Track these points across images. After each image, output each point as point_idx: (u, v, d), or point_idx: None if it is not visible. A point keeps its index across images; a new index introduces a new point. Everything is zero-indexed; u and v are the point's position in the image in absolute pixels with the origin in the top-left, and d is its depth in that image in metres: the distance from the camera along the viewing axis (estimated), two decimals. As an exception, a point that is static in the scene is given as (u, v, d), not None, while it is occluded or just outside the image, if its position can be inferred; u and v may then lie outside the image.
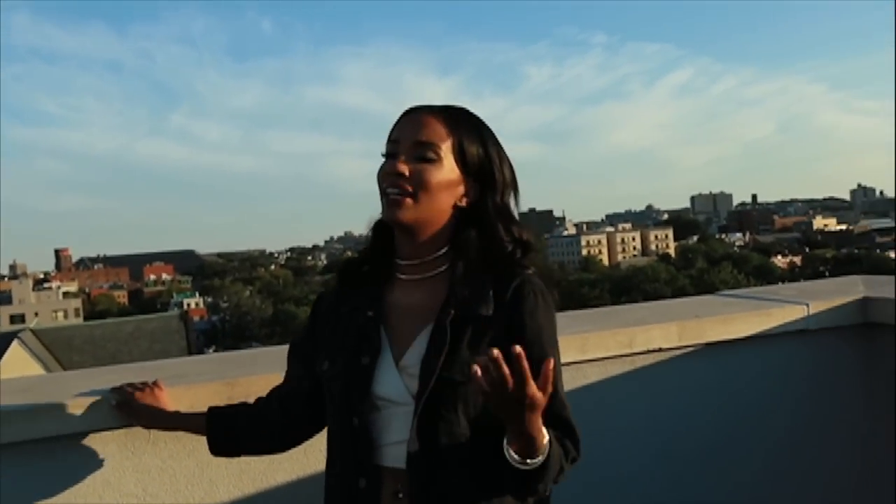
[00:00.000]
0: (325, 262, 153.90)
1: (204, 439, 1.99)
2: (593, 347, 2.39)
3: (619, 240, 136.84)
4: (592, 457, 2.42)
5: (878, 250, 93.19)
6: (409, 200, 1.53)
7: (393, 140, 1.57)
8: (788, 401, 2.67)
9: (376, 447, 1.52)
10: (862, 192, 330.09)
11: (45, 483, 1.93)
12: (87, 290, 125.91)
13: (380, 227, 1.65)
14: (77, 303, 76.38)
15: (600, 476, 2.41)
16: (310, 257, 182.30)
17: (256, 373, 2.11)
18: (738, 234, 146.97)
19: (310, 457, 2.12)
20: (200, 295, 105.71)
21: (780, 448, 2.64)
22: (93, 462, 1.96)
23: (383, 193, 1.56)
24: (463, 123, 1.59)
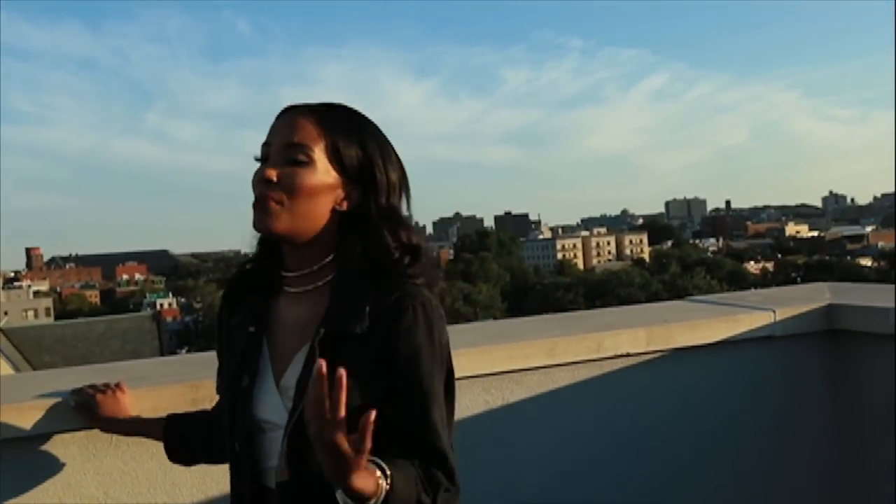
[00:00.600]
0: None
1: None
2: (562, 352, 2.39)
3: (594, 244, 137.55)
4: (561, 460, 2.44)
5: (848, 257, 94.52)
6: (277, 208, 1.42)
7: (265, 143, 1.49)
8: (756, 406, 2.70)
9: (261, 471, 1.46)
10: (833, 199, 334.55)
11: (5, 484, 1.90)
12: (58, 289, 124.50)
13: (266, 238, 1.54)
14: (48, 302, 75.53)
15: (569, 479, 2.42)
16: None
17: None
18: (712, 240, 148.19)
19: (275, 460, 2.11)
20: (174, 295, 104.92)
21: (747, 452, 2.66)
22: (54, 464, 1.94)
23: (254, 201, 1.46)
24: (339, 123, 1.48)
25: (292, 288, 1.51)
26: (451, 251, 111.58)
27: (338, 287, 1.45)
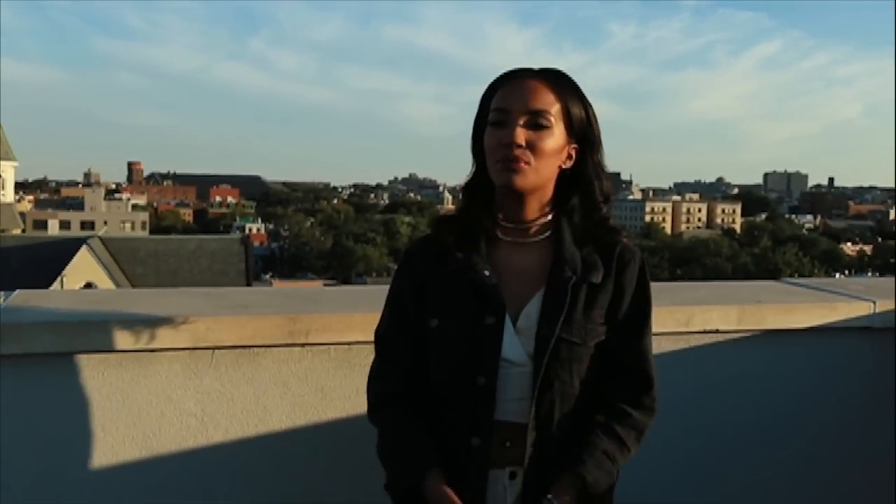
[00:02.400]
0: (387, 201, 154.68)
1: (263, 368, 2.09)
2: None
3: (684, 209, 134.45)
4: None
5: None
6: (526, 167, 1.55)
7: (502, 108, 1.57)
8: (841, 396, 2.65)
9: (496, 405, 1.55)
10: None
11: (113, 391, 2.03)
12: (154, 204, 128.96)
13: (472, 188, 1.66)
14: (144, 216, 78.39)
15: (647, 447, 2.43)
16: (372, 195, 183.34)
17: (319, 311, 2.17)
18: (809, 217, 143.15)
19: (361, 397, 2.18)
20: (262, 221, 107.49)
21: (826, 439, 2.63)
22: (158, 378, 2.06)
23: (498, 160, 1.56)
24: (566, 88, 1.61)
25: (512, 238, 1.63)
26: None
27: (563, 239, 1.60)
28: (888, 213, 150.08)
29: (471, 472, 1.55)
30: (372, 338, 2.20)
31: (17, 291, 2.23)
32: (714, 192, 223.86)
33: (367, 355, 2.19)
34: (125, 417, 2.04)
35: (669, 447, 2.48)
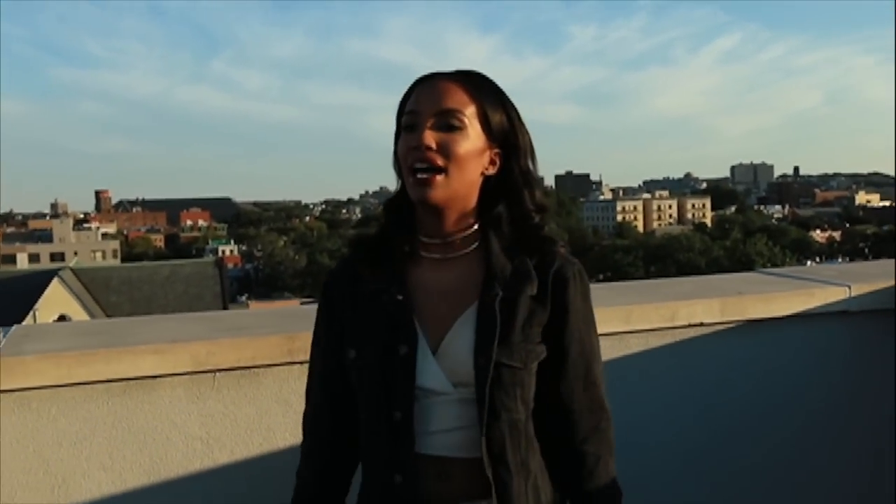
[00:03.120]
0: (359, 215, 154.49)
1: (264, 388, 2.13)
2: (637, 319, 2.46)
3: (655, 207, 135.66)
4: (632, 422, 2.52)
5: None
6: (439, 178, 1.43)
7: (411, 111, 1.46)
8: (825, 379, 2.73)
9: (417, 437, 1.44)
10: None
11: (118, 420, 2.06)
12: (125, 232, 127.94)
13: (394, 203, 1.55)
14: (115, 244, 77.71)
15: (639, 441, 2.50)
16: (344, 210, 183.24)
17: (315, 328, 2.22)
18: (778, 207, 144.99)
19: (361, 410, 2.24)
20: (235, 243, 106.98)
21: (813, 424, 2.70)
22: (161, 404, 2.09)
23: (409, 171, 1.45)
24: (483, 88, 1.49)
25: (434, 254, 1.50)
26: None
27: (492, 252, 1.47)
28: (853, 199, 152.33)
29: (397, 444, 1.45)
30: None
31: (15, 327, 2.26)
32: (683, 187, 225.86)
33: (365, 368, 2.25)
34: (131, 444, 2.07)
35: (661, 440, 2.55)
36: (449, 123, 1.44)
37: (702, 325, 2.55)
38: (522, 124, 1.53)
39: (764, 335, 2.63)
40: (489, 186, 1.51)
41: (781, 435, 2.67)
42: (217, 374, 2.12)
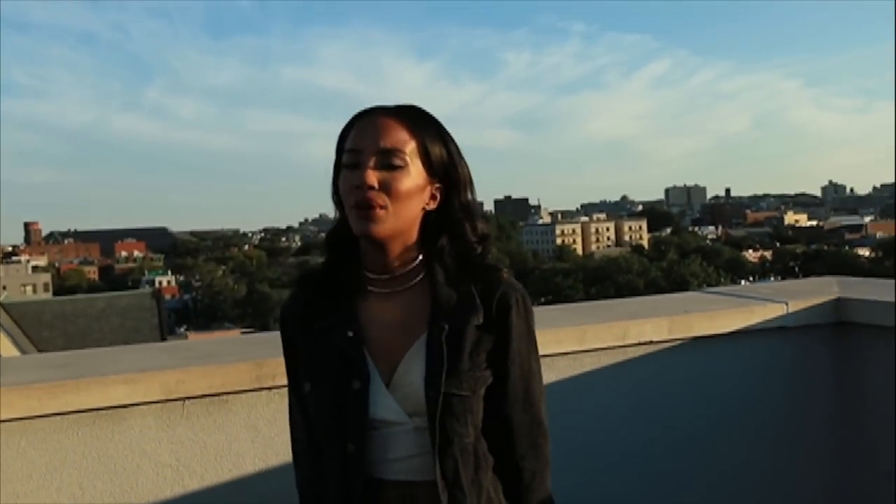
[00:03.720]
0: (298, 243, 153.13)
1: (233, 414, 2.17)
2: (591, 339, 2.57)
3: (593, 230, 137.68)
4: (588, 437, 2.62)
5: (846, 247, 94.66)
6: (382, 213, 1.46)
7: (353, 149, 1.49)
8: (767, 392, 2.88)
9: (373, 465, 1.49)
10: (833, 189, 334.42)
11: (88, 451, 2.08)
12: (56, 264, 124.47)
13: (336, 238, 1.59)
14: (46, 277, 75.47)
15: (595, 455, 2.60)
16: (284, 238, 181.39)
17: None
18: (711, 228, 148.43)
19: (328, 433, 2.29)
20: (172, 273, 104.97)
21: (758, 436, 2.84)
22: (132, 433, 2.12)
23: (351, 207, 1.48)
24: (423, 123, 1.53)
25: (381, 289, 1.54)
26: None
27: (437, 284, 1.51)
28: (783, 219, 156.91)
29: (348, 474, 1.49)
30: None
31: (-21, 361, 2.26)
32: (620, 210, 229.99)
33: (332, 393, 2.30)
34: (102, 474, 2.09)
35: (614, 454, 2.66)
36: (391, 163, 1.47)
37: (651, 342, 2.67)
38: (461, 157, 1.57)
39: (709, 351, 2.77)
40: (430, 220, 1.55)
41: (728, 445, 2.80)
42: (186, 401, 2.16)
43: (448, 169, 1.54)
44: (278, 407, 2.25)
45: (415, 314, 1.51)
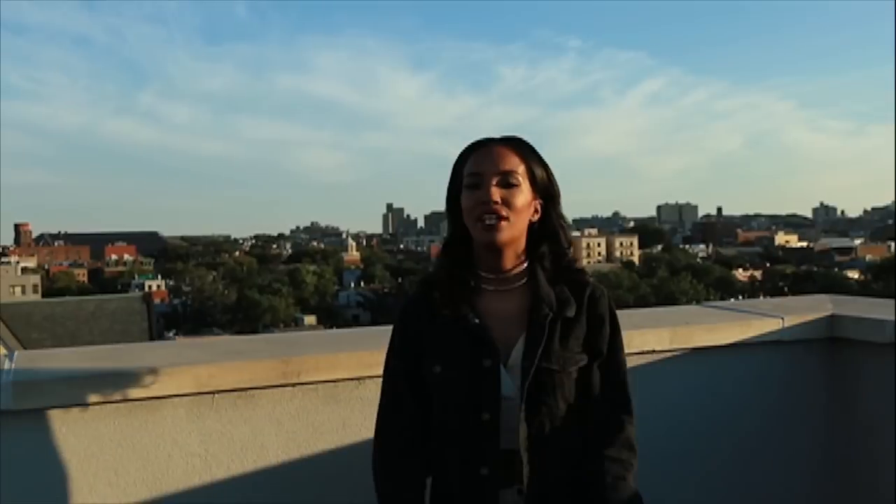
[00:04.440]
0: (289, 251, 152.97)
1: (259, 408, 2.29)
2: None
3: (584, 245, 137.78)
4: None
5: (836, 269, 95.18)
6: (504, 224, 1.78)
7: (476, 173, 1.81)
8: (762, 403, 3.01)
9: (500, 436, 1.74)
10: (824, 210, 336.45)
11: (124, 439, 2.19)
12: (46, 266, 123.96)
13: (452, 246, 1.88)
14: (36, 279, 75.20)
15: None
16: (275, 245, 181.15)
17: (307, 353, 2.39)
18: (702, 246, 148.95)
19: (348, 430, 2.42)
20: (162, 277, 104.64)
21: (751, 443, 2.97)
22: (164, 423, 2.24)
23: (478, 219, 1.78)
24: (527, 151, 1.86)
25: (494, 287, 1.83)
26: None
27: (539, 283, 1.82)
28: (773, 239, 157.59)
29: (484, 498, 1.75)
30: (355, 375, 2.44)
31: (17, 352, 2.37)
32: (611, 226, 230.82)
33: (352, 390, 2.43)
34: (135, 461, 2.21)
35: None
36: (508, 182, 1.79)
37: (653, 351, 2.80)
38: (554, 178, 1.89)
39: (708, 362, 2.90)
40: (533, 230, 1.87)
41: (725, 454, 2.93)
42: (216, 395, 2.28)
43: (547, 188, 1.87)
44: (301, 403, 2.37)
45: (521, 308, 1.81)
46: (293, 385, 2.35)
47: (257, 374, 2.30)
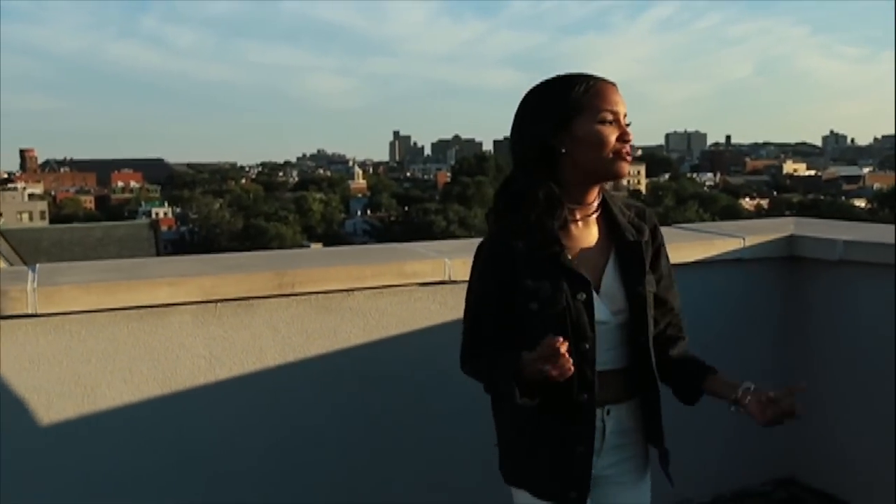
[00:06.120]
0: (296, 178, 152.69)
1: (258, 316, 2.55)
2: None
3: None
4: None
5: (843, 197, 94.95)
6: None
7: (614, 111, 1.84)
8: (722, 316, 3.26)
9: (597, 361, 1.83)
10: (834, 139, 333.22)
11: (136, 342, 2.46)
12: (52, 192, 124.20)
13: (541, 180, 1.85)
14: (43, 205, 75.47)
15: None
16: (281, 173, 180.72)
17: (301, 266, 2.64)
18: (710, 175, 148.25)
19: (338, 336, 2.68)
20: (169, 205, 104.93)
21: (712, 353, 3.22)
22: (172, 328, 2.50)
23: (616, 153, 1.82)
24: None
25: (576, 217, 1.88)
26: (449, 174, 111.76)
27: (615, 213, 1.92)
28: (781, 168, 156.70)
29: (582, 417, 1.84)
30: (345, 287, 2.69)
31: (38, 265, 2.62)
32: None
33: (342, 301, 2.69)
34: (147, 362, 2.48)
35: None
36: (627, 125, 1.87)
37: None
38: None
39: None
40: None
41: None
42: (219, 304, 2.53)
43: None
44: (296, 311, 2.63)
45: (602, 236, 1.91)
46: (288, 295, 2.61)
47: (256, 284, 2.55)
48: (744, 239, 3.21)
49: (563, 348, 1.68)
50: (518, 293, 1.84)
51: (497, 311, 1.88)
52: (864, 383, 3.12)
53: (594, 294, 1.84)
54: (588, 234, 1.88)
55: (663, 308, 1.98)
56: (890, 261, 2.94)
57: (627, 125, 1.86)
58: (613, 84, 1.89)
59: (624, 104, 1.87)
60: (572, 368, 1.70)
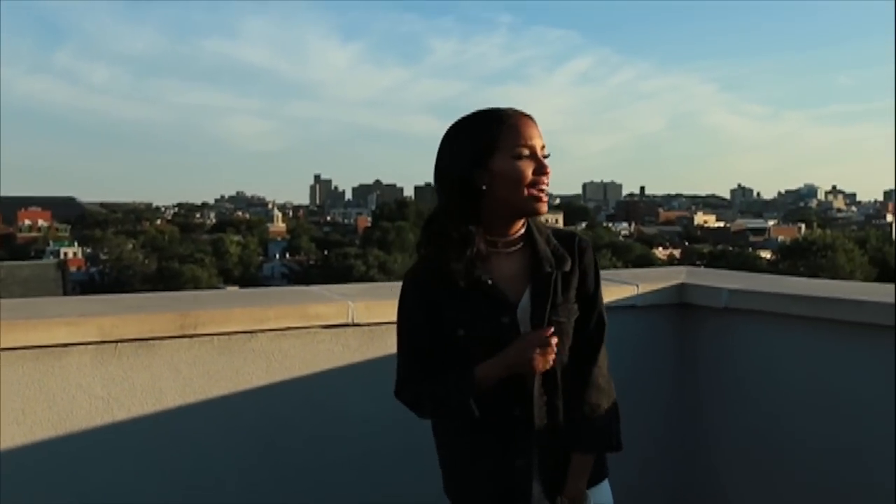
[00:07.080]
0: (213, 220, 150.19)
1: (158, 357, 2.56)
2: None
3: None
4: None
5: (750, 248, 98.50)
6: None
7: (531, 145, 1.90)
8: (620, 362, 3.38)
9: (526, 380, 1.91)
10: (741, 192, 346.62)
11: (31, 382, 2.43)
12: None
13: (459, 212, 1.92)
14: (-56, 243, 72.26)
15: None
16: (198, 215, 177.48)
17: (204, 308, 2.66)
18: (625, 224, 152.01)
19: (240, 378, 2.70)
20: (79, 245, 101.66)
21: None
22: (70, 369, 2.48)
23: (532, 188, 1.89)
24: None
25: (501, 249, 1.96)
26: (369, 218, 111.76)
27: (538, 243, 1.97)
28: (693, 219, 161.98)
29: (520, 432, 1.93)
30: (247, 329, 2.72)
31: (-69, 303, 2.57)
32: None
33: (245, 343, 2.72)
34: (42, 403, 2.45)
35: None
36: (545, 156, 1.94)
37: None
38: None
39: (570, 323, 3.26)
40: None
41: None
42: (119, 344, 2.53)
43: None
44: (198, 352, 2.65)
45: (524, 267, 1.96)
46: (190, 336, 2.62)
47: (157, 325, 2.56)
48: (637, 286, 3.36)
49: (554, 340, 1.85)
50: (444, 321, 1.92)
51: (428, 338, 1.95)
52: (748, 427, 3.28)
53: (517, 319, 1.91)
54: (510, 264, 1.95)
55: (582, 332, 2.03)
56: (769, 308, 3.13)
57: (546, 157, 1.92)
58: (529, 117, 1.94)
59: (541, 136, 1.93)
60: (552, 363, 1.88)
